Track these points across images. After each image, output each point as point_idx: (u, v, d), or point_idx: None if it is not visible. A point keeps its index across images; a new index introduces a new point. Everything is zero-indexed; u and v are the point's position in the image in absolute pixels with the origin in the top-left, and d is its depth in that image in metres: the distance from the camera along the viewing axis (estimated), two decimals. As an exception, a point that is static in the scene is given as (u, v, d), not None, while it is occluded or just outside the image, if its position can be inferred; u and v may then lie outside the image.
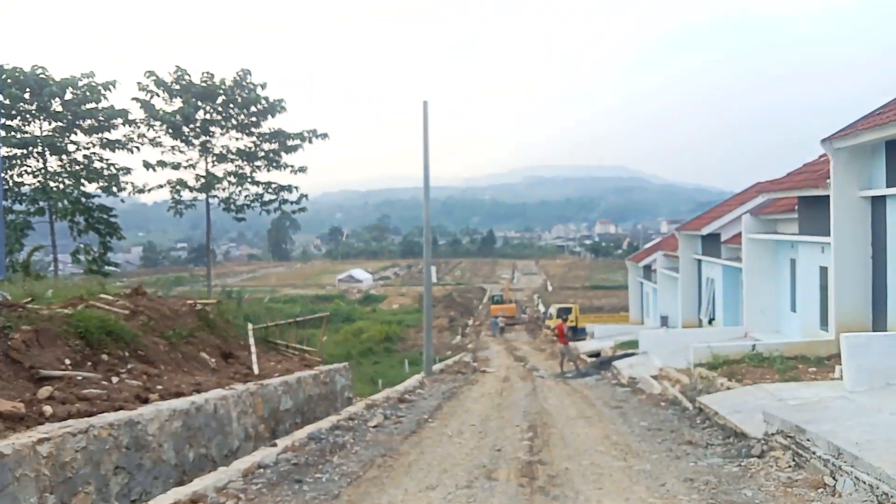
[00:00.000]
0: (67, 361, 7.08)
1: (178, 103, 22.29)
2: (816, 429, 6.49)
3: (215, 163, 23.41)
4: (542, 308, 66.01)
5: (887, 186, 13.10)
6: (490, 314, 59.11)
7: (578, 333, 41.59)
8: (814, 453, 6.26)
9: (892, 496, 4.99)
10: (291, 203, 24.51)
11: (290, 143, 23.59)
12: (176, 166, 22.69)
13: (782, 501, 5.58)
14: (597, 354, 27.70)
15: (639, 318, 42.01)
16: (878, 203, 13.53)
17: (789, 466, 6.52)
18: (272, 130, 23.52)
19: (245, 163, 23.72)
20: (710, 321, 25.92)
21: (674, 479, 6.47)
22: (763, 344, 14.18)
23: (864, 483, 5.35)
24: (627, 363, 20.05)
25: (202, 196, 23.37)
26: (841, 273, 13.79)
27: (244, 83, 22.84)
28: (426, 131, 20.35)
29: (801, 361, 12.63)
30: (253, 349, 11.86)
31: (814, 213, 16.16)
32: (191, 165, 23.01)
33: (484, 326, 58.19)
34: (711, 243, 25.78)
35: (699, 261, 27.75)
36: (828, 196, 14.19)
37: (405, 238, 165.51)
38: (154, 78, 22.10)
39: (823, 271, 15.89)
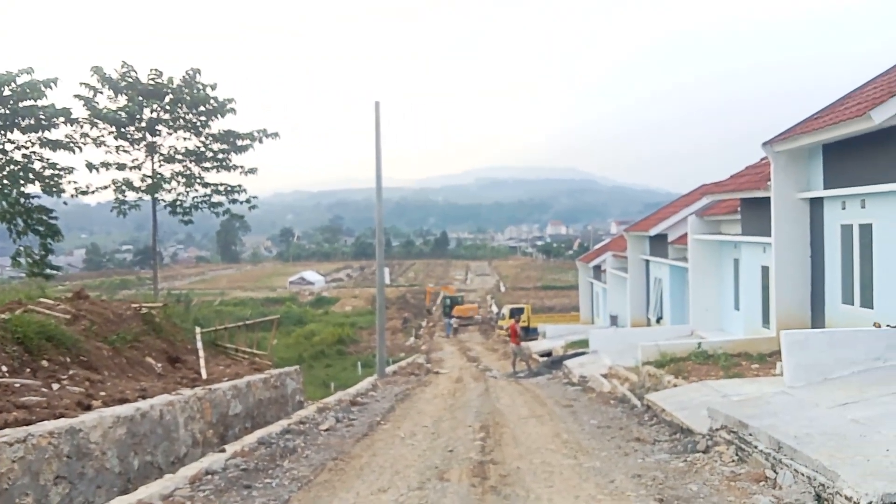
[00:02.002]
0: (4, 368, 6.83)
1: (122, 101, 21.70)
2: (758, 423, 6.68)
3: (162, 163, 22.86)
4: (495, 308, 66.50)
5: (825, 188, 13.59)
6: (443, 315, 59.38)
7: (531, 333, 42.01)
8: (756, 447, 6.45)
9: (828, 487, 5.17)
10: (241, 204, 24.10)
11: (239, 143, 23.18)
12: (121, 167, 22.06)
13: (726, 495, 5.73)
14: (548, 354, 28.03)
15: (589, 317, 42.67)
16: (816, 204, 14.02)
17: (733, 460, 6.70)
18: (221, 131, 23.09)
19: (193, 163, 23.24)
20: (658, 320, 26.48)
21: (622, 475, 6.59)
22: (708, 342, 14.54)
23: (803, 475, 5.54)
24: (578, 362, 20.33)
25: (148, 197, 22.79)
26: (781, 272, 14.25)
27: (193, 82, 22.37)
28: (378, 132, 20.31)
29: (745, 358, 12.99)
30: (201, 353, 11.65)
31: (756, 214, 16.66)
32: (136, 166, 22.41)
33: (438, 327, 58.29)
34: (659, 244, 26.34)
35: (647, 261, 28.32)
36: (769, 198, 14.64)
37: (358, 239, 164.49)
38: (99, 74, 21.46)
39: (765, 271, 16.39)
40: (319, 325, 53.21)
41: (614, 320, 32.71)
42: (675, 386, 11.20)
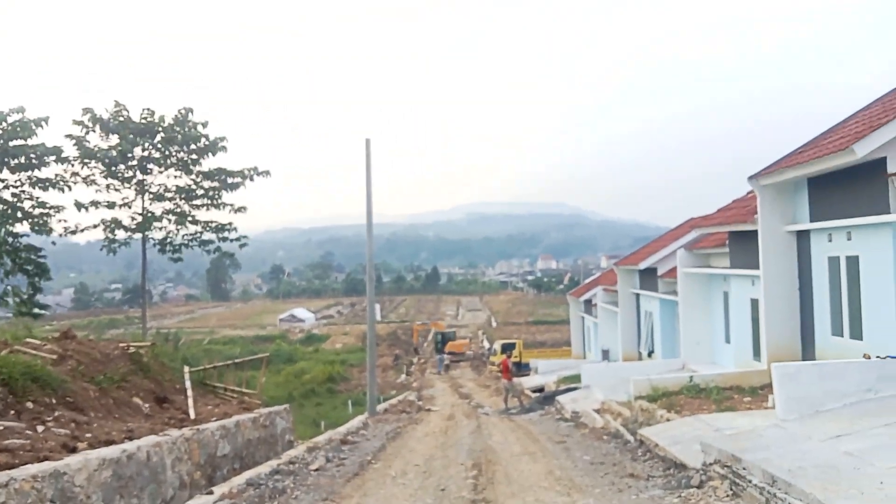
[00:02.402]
0: (-12, 410, 6.72)
1: (114, 140, 21.79)
2: (751, 457, 6.65)
3: (152, 201, 22.87)
4: (486, 344, 66.23)
5: (811, 221, 13.74)
6: (435, 352, 59.11)
7: (523, 369, 41.79)
8: (750, 481, 6.40)
9: (823, 521, 5.13)
10: (231, 242, 24.07)
11: (230, 181, 23.26)
12: (111, 205, 22.06)
13: (721, 531, 5.68)
14: (541, 389, 27.85)
15: (581, 352, 42.53)
16: (803, 237, 14.16)
17: (727, 495, 6.65)
18: (212, 169, 23.18)
19: (184, 201, 23.27)
20: (650, 354, 26.43)
21: (616, 512, 6.52)
22: (700, 375, 14.52)
23: (798, 509, 5.49)
24: (570, 397, 20.21)
25: (138, 235, 22.75)
26: (770, 305, 14.32)
27: (185, 121, 22.51)
28: (368, 168, 20.44)
29: (737, 391, 12.98)
30: (189, 393, 11.48)
31: (743, 247, 16.79)
32: (126, 204, 22.41)
33: (429, 364, 57.93)
34: (648, 277, 26.43)
35: (637, 295, 28.37)
36: (756, 231, 14.78)
37: (349, 276, 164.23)
38: (90, 114, 21.58)
39: (754, 303, 16.45)
40: (310, 363, 52.74)
41: (606, 354, 32.62)
42: (668, 420, 11.14)
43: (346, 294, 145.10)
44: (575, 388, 22.31)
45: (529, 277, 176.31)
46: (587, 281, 50.34)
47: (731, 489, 6.69)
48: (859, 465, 6.12)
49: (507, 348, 46.18)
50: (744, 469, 6.59)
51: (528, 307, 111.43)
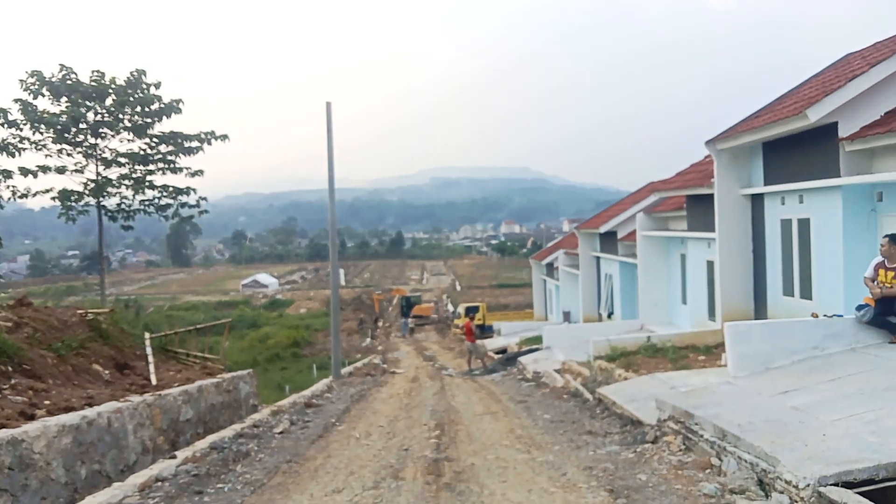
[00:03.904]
0: (-59, 379, 6.60)
1: (64, 103, 21.05)
2: (703, 413, 6.89)
3: (106, 167, 22.25)
4: (451, 307, 66.74)
5: (765, 184, 14.05)
6: (401, 315, 59.40)
7: (486, 331, 42.34)
8: (702, 436, 6.64)
9: (769, 472, 5.36)
10: (190, 207, 23.61)
11: (187, 144, 22.71)
12: (61, 170, 21.39)
13: (673, 483, 5.90)
14: (503, 351, 28.28)
15: (543, 314, 43.17)
16: (757, 200, 14.49)
17: (680, 450, 6.89)
18: (168, 132, 22.58)
19: (139, 166, 22.68)
20: (610, 315, 26.96)
21: (574, 468, 6.72)
22: (657, 335, 14.87)
23: (746, 462, 5.73)
24: (532, 358, 20.55)
25: (94, 200, 22.16)
26: (725, 266, 14.68)
27: (139, 83, 21.81)
28: (330, 132, 20.19)
29: (692, 350, 13.33)
30: (150, 359, 11.41)
31: (700, 210, 17.11)
32: (78, 170, 21.76)
33: (394, 328, 58.21)
34: (609, 241, 26.81)
35: (598, 258, 28.80)
36: (712, 194, 15.06)
37: (312, 241, 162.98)
38: (38, 77, 20.78)
39: (710, 265, 16.85)
40: (274, 329, 52.54)
41: (567, 316, 33.17)
42: (626, 379, 11.43)
43: (310, 259, 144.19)
44: (537, 350, 22.69)
45: (493, 242, 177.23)
46: (549, 245, 50.86)
47: (684, 444, 6.94)
48: (804, 419, 6.39)
49: (470, 311, 46.62)
50: (696, 424, 6.83)
51: (491, 271, 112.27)
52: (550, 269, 39.87)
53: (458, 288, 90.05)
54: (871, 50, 13.48)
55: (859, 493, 4.66)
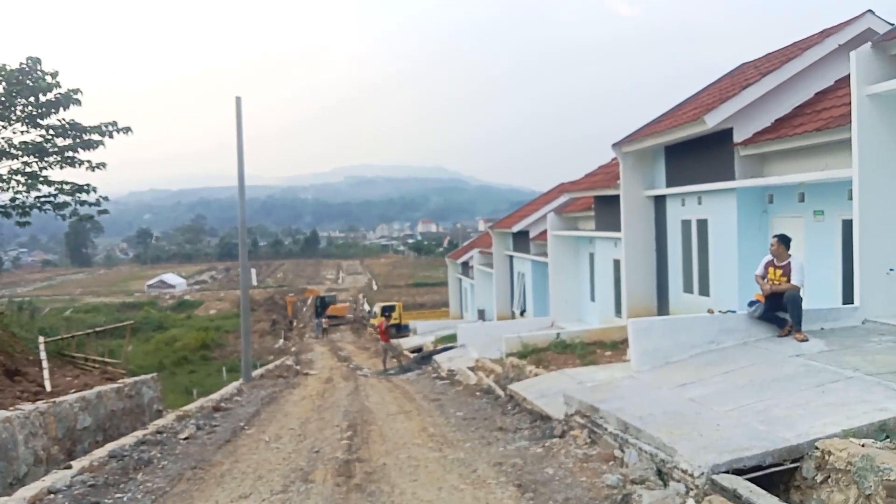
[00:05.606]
0: None
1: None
2: (608, 407, 7.12)
3: (-4, 159, 20.83)
4: (367, 307, 66.33)
5: (667, 186, 14.68)
6: (315, 316, 58.52)
7: (402, 330, 42.31)
8: (606, 429, 6.87)
9: (667, 462, 5.61)
10: (90, 205, 22.40)
11: (87, 137, 21.52)
12: (-57, 163, 19.88)
13: (578, 476, 6.07)
14: (419, 350, 28.33)
15: (458, 312, 43.54)
16: (660, 201, 15.11)
17: (586, 443, 7.10)
18: (65, 122, 21.33)
19: (34, 158, 21.33)
20: (522, 313, 27.47)
21: (484, 464, 6.81)
22: (567, 332, 15.27)
23: (646, 452, 5.96)
24: (447, 356, 20.70)
25: (-18, 197, 20.70)
26: (630, 265, 15.25)
27: (33, 71, 20.51)
28: (240, 128, 19.68)
29: (599, 346, 13.76)
30: (45, 364, 10.81)
31: (608, 211, 17.69)
32: (-36, 162, 20.28)
33: (308, 329, 57.31)
34: (521, 240, 27.32)
35: (511, 257, 29.30)
36: (618, 195, 15.61)
37: (222, 240, 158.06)
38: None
39: (617, 264, 17.45)
40: (182, 330, 50.68)
41: (482, 314, 33.58)
42: (536, 375, 11.68)
43: (220, 259, 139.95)
44: (451, 348, 22.86)
45: (410, 241, 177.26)
46: (465, 244, 51.33)
47: (590, 437, 7.16)
48: (700, 410, 6.71)
49: (387, 310, 46.50)
50: (601, 418, 7.06)
51: (408, 270, 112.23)
52: (466, 267, 40.26)
53: (375, 287, 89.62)
54: (763, 60, 14.31)
55: (748, 479, 4.93)
